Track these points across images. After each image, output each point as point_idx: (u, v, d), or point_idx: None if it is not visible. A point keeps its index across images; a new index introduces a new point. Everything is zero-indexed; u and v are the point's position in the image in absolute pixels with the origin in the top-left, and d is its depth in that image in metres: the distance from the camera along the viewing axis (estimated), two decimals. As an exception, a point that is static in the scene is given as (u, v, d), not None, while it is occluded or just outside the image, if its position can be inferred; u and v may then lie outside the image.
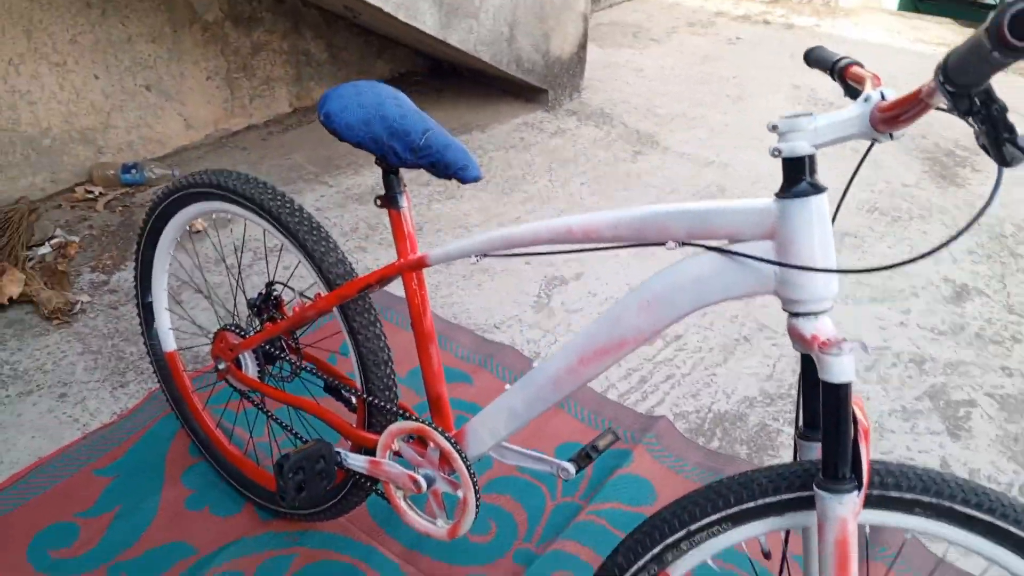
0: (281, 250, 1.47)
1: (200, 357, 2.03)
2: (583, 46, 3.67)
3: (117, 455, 1.75)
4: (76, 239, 2.50)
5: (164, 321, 1.68)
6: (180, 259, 1.92)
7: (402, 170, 1.20)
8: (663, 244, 0.94)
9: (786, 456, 1.75)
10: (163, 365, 1.71)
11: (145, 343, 1.69)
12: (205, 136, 3.12)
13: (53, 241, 2.47)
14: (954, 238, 0.75)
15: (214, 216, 1.44)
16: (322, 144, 3.18)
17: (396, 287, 2.21)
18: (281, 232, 1.31)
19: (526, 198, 2.86)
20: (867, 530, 1.40)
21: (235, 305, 1.78)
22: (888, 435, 1.83)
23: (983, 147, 0.68)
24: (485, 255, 1.10)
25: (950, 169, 3.17)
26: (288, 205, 1.31)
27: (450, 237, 2.60)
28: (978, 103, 0.65)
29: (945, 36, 4.93)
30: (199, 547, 1.56)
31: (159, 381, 1.72)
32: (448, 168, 1.11)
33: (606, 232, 0.98)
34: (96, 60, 2.69)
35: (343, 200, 2.80)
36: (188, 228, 1.56)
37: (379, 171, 2.98)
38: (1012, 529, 0.85)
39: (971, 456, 1.80)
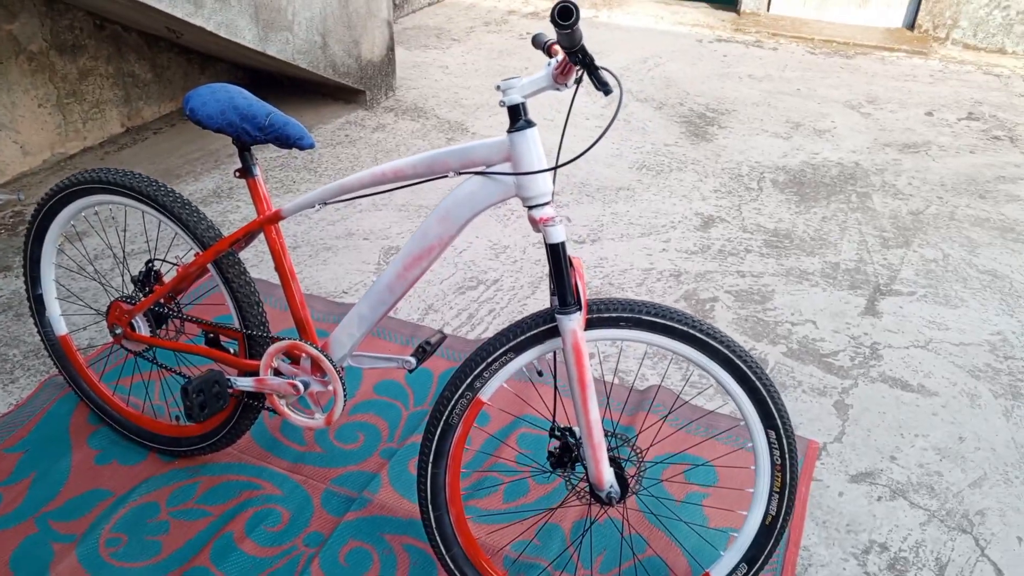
0: (159, 232, 1.80)
1: (97, 342, 2.28)
2: (391, 48, 4.10)
3: (22, 434, 2.00)
4: (-68, 265, 2.64)
5: (55, 309, 1.96)
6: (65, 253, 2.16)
7: (253, 148, 1.59)
8: (446, 175, 1.41)
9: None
10: (57, 348, 1.98)
11: (39, 331, 1.96)
12: (43, 161, 3.28)
13: (-92, 269, 2.59)
14: (589, 148, 1.26)
15: (95, 210, 1.73)
16: (159, 158, 3.42)
17: (255, 273, 2.56)
18: (158, 210, 1.66)
19: (357, 186, 3.27)
20: (598, 349, 1.92)
21: (122, 284, 2.07)
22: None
23: (590, 79, 1.18)
24: (325, 203, 1.52)
25: (701, 128, 3.89)
26: (162, 188, 1.66)
27: (292, 225, 2.96)
28: (580, 56, 1.15)
29: (699, 18, 5.79)
30: (114, 490, 1.86)
31: (55, 363, 1.99)
32: (289, 139, 1.52)
33: (408, 171, 1.42)
34: (-76, 96, 2.81)
35: (189, 204, 3.08)
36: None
37: (217, 176, 3.30)
38: (680, 327, 1.38)
39: (713, 332, 2.42)
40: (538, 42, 1.53)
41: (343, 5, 3.66)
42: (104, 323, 1.84)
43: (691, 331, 1.37)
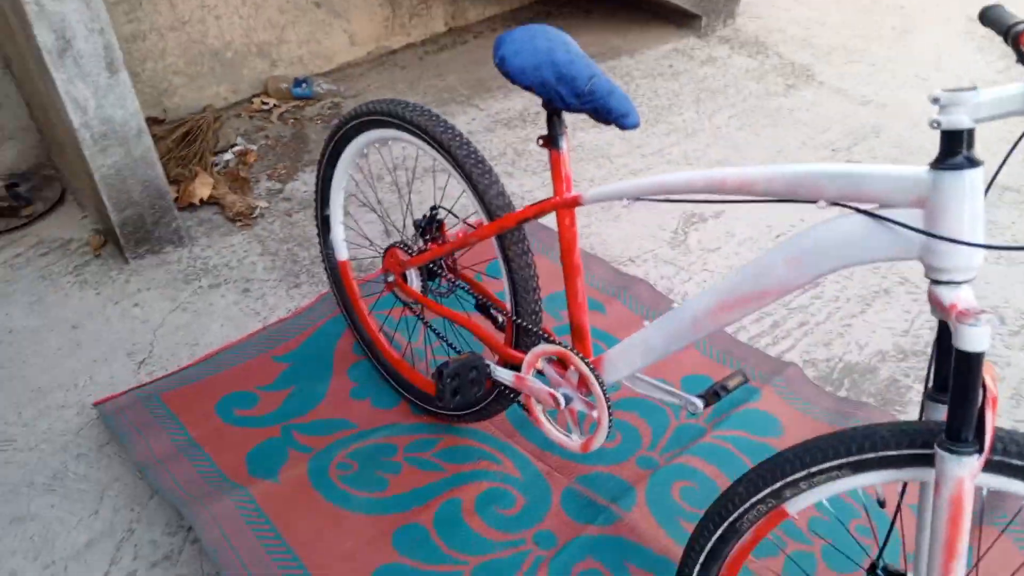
0: (448, 179, 1.60)
1: (363, 267, 2.24)
2: (743, -31, 3.54)
3: (292, 346, 2.00)
4: (254, 148, 2.76)
5: (339, 233, 1.87)
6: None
7: (564, 113, 1.29)
8: (814, 202, 1.00)
9: (913, 413, 1.77)
10: (335, 272, 1.91)
11: (321, 252, 1.90)
12: (367, 53, 3.29)
13: (235, 149, 2.73)
14: None
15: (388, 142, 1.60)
16: (474, 66, 3.29)
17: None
18: (450, 163, 1.44)
19: (670, 129, 2.88)
20: (984, 493, 1.44)
21: (403, 226, 1.96)
22: (1025, 401, 1.82)
23: None
24: (638, 199, 1.19)
25: None
26: (458, 138, 1.43)
27: (592, 166, 2.67)
28: None
29: None
30: (359, 424, 1.80)
31: (332, 286, 1.93)
32: (610, 114, 1.19)
33: (760, 186, 1.04)
34: (274, -23, 2.89)
35: (492, 124, 2.91)
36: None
37: (527, 96, 3.07)
38: None
39: (1115, 430, 1.75)
40: (994, 21, 1.02)
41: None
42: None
43: None
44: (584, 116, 1.24)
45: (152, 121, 2.69)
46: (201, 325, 2.09)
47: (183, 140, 2.67)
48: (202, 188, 2.47)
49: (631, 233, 2.38)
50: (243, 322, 2.10)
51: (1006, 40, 1.01)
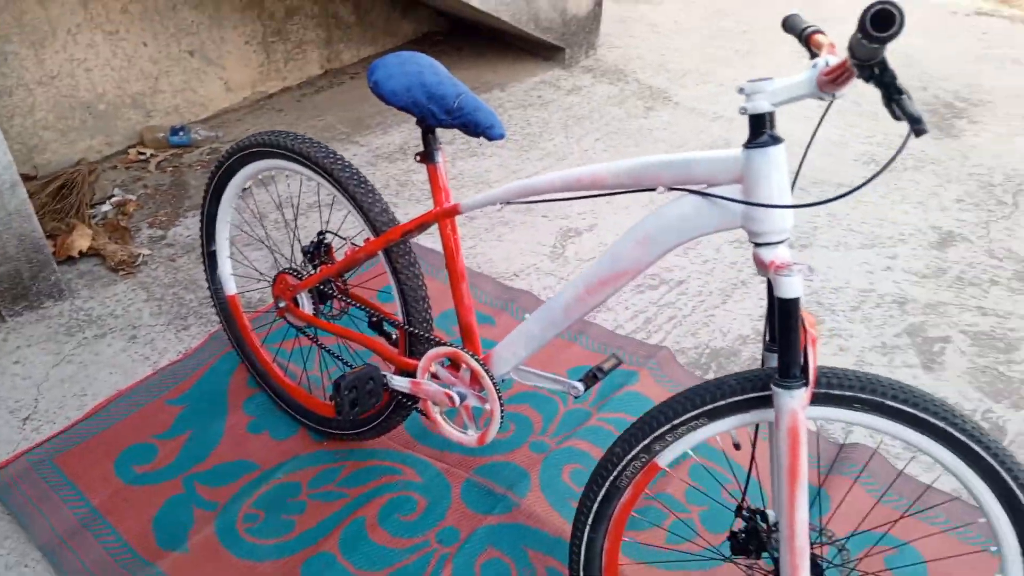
0: (333, 203, 1.69)
1: (253, 302, 2.26)
2: (599, 3, 3.80)
3: (185, 387, 2.00)
4: (133, 197, 2.74)
5: (226, 268, 1.91)
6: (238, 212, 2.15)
7: (438, 129, 1.40)
8: (654, 189, 1.15)
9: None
10: (225, 307, 1.94)
11: (209, 287, 1.93)
12: (243, 98, 3.33)
13: (113, 200, 2.70)
14: (859, 187, 0.96)
15: (271, 174, 1.66)
16: (352, 104, 3.38)
17: (424, 240, 2.43)
18: (334, 185, 1.53)
19: (543, 155, 3.05)
20: (817, 425, 1.62)
21: (291, 252, 2.01)
22: (867, 368, 2.05)
23: (885, 106, 0.88)
24: (508, 203, 1.31)
25: (947, 120, 3.31)
26: (340, 161, 1.52)
27: (472, 192, 2.80)
28: (876, 72, 0.85)
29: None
30: (261, 463, 1.81)
31: (221, 321, 1.96)
32: (478, 127, 1.32)
33: (609, 180, 1.19)
34: (145, 28, 2.90)
35: (373, 159, 3.01)
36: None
37: (406, 131, 3.19)
38: (932, 420, 1.06)
39: (941, 386, 2.00)
40: (792, 27, 1.22)
41: (553, -45, 3.40)
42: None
43: (953, 431, 1.05)
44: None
45: (24, 178, 2.63)
46: (88, 375, 2.06)
47: (58, 194, 2.63)
48: (80, 240, 2.44)
49: (514, 250, 2.52)
50: (132, 369, 2.08)
51: (800, 41, 1.20)
